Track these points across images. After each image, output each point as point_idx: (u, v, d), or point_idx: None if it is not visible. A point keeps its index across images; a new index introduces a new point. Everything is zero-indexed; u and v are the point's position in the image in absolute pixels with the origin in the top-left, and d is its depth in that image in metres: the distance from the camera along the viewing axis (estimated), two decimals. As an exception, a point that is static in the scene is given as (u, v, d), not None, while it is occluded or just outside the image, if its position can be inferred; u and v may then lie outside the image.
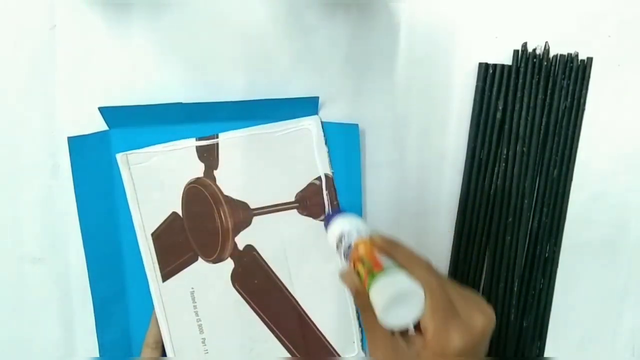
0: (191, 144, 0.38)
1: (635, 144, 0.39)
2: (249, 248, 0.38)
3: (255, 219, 0.38)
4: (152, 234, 0.38)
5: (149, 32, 0.38)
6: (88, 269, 0.38)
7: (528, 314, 0.40)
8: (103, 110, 0.37)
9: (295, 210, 0.38)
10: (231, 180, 0.38)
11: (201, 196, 0.38)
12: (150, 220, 0.38)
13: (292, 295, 0.39)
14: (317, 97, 0.37)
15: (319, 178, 0.38)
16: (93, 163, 0.38)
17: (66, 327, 0.41)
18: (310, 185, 0.38)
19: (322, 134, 0.38)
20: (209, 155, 0.38)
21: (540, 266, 0.39)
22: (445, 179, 0.39)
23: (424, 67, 0.38)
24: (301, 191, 0.38)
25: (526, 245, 0.39)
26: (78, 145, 0.37)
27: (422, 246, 0.40)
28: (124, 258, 0.39)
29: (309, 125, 0.38)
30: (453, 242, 0.39)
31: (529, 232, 0.39)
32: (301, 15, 0.38)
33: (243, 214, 0.38)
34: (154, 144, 0.38)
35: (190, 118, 0.38)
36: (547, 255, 0.39)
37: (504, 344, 0.40)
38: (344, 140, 0.38)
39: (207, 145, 0.38)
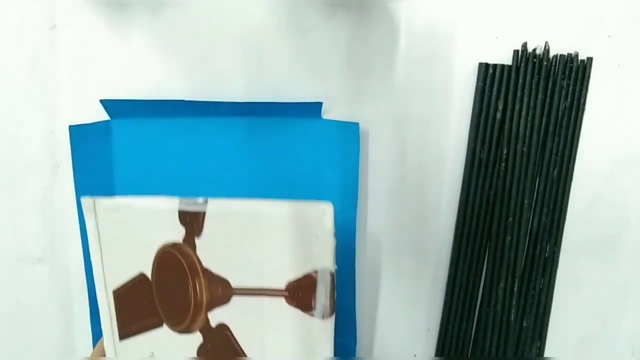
0: (174, 206, 0.32)
1: (635, 144, 0.39)
2: (223, 327, 0.33)
3: (235, 298, 0.33)
4: (114, 292, 0.34)
5: (149, 32, 0.38)
6: (86, 266, 0.38)
7: (528, 314, 0.40)
8: (105, 103, 0.37)
9: (283, 299, 0.33)
10: (214, 253, 0.33)
11: (176, 263, 0.33)
12: (113, 276, 0.34)
13: None
14: (321, 103, 0.37)
15: (318, 272, 0.32)
16: (94, 153, 0.38)
17: (66, 327, 0.41)
18: (306, 276, 0.32)
19: (332, 225, 0.32)
20: (192, 221, 0.33)
21: (540, 266, 0.39)
22: (445, 179, 0.39)
23: (424, 67, 0.38)
24: (295, 280, 0.32)
25: (526, 245, 0.39)
26: (79, 134, 0.37)
27: (422, 246, 0.40)
28: None
29: (319, 213, 0.32)
30: (453, 242, 0.40)
31: (529, 232, 0.39)
32: (301, 15, 0.38)
33: (222, 290, 0.33)
34: (154, 139, 0.38)
35: (191, 115, 0.38)
36: (547, 255, 0.39)
37: (504, 344, 0.40)
38: (343, 139, 0.38)
39: (192, 211, 0.32)
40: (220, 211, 0.32)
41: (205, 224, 0.32)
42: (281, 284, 0.32)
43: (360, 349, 0.40)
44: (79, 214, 0.38)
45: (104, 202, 0.33)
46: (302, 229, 0.32)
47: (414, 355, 0.41)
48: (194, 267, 0.33)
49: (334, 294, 0.32)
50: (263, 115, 0.38)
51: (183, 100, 0.37)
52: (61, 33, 0.38)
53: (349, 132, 0.38)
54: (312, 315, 0.33)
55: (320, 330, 0.33)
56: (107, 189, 0.39)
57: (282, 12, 0.38)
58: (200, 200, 0.32)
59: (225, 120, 0.38)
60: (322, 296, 0.32)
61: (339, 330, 0.40)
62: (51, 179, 0.39)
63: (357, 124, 0.38)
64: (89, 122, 0.38)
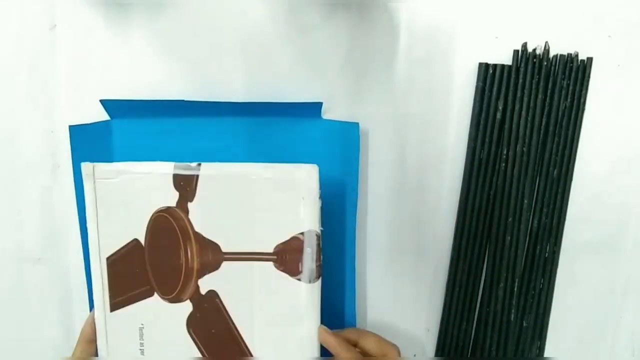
0: (169, 170, 0.34)
1: (635, 144, 0.39)
2: (212, 294, 0.34)
3: (225, 264, 0.34)
4: (108, 259, 0.35)
5: (149, 32, 0.38)
6: (85, 260, 0.38)
7: (528, 314, 0.40)
8: (105, 103, 0.37)
9: (271, 263, 0.33)
10: (205, 217, 0.34)
11: (169, 228, 0.34)
12: (107, 242, 0.35)
13: (251, 354, 0.35)
14: (321, 103, 0.37)
15: (304, 233, 0.33)
16: (94, 152, 0.38)
17: (66, 327, 0.41)
18: (293, 239, 0.33)
19: (317, 186, 0.32)
20: (185, 185, 0.34)
21: (540, 266, 0.39)
22: (445, 179, 0.39)
23: (424, 67, 0.38)
24: (282, 243, 0.33)
25: (526, 245, 0.39)
26: (79, 134, 0.37)
27: (422, 247, 0.40)
28: None
29: (304, 175, 0.32)
30: (453, 242, 0.40)
31: (529, 232, 0.39)
32: (301, 15, 0.38)
33: (212, 255, 0.34)
34: (154, 139, 0.38)
35: (191, 115, 0.38)
36: (547, 255, 0.39)
37: (504, 344, 0.40)
38: (344, 139, 0.38)
39: (186, 175, 0.33)
40: (212, 174, 0.33)
41: (198, 188, 0.33)
42: (269, 248, 0.33)
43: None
44: (79, 214, 0.38)
45: (103, 167, 0.34)
46: (289, 191, 0.33)
47: (414, 355, 0.41)
48: (186, 232, 0.34)
49: (320, 256, 0.33)
50: (263, 115, 0.38)
51: (183, 100, 0.37)
52: (61, 33, 0.38)
53: (349, 132, 0.38)
54: (299, 279, 0.33)
55: (307, 294, 0.34)
56: None
57: (282, 12, 0.38)
58: (194, 164, 0.33)
59: (225, 120, 0.38)
60: (309, 259, 0.33)
61: (339, 330, 0.40)
62: (51, 179, 0.39)
63: (357, 124, 0.38)
64: (89, 122, 0.38)
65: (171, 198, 0.34)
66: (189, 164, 0.33)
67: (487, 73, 0.38)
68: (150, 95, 0.38)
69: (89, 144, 0.38)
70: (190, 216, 0.34)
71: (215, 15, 0.38)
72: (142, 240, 0.35)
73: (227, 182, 0.33)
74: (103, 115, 0.38)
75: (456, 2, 0.38)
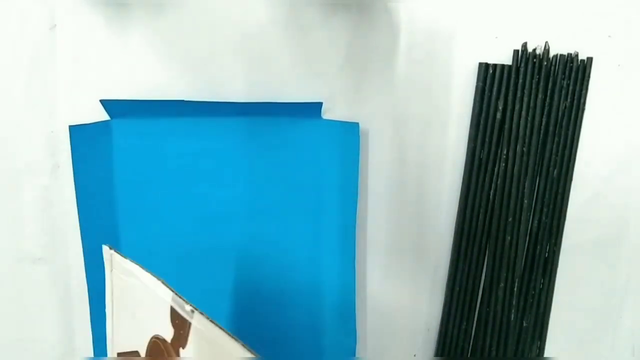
0: (167, 298, 0.30)
1: (635, 144, 0.39)
2: None
3: None
4: (119, 354, 0.33)
5: (149, 32, 0.38)
6: (85, 260, 0.38)
7: (528, 314, 0.40)
8: (105, 103, 0.37)
9: None
10: None
11: None
12: (118, 336, 0.33)
13: None
14: (321, 103, 0.37)
15: None
16: (94, 152, 0.38)
17: (66, 327, 0.41)
18: None
19: None
20: (180, 326, 0.31)
21: (540, 266, 0.39)
22: (445, 179, 0.39)
23: (424, 67, 0.38)
24: None
25: (526, 245, 0.39)
26: (79, 134, 0.37)
27: (422, 246, 0.40)
28: (122, 251, 0.39)
29: None
30: (453, 242, 0.40)
31: (529, 232, 0.39)
32: (301, 15, 0.38)
33: None
34: (154, 139, 0.38)
35: (191, 115, 0.38)
36: (547, 255, 0.39)
37: (504, 344, 0.40)
38: (343, 139, 0.38)
39: (181, 315, 0.30)
40: (203, 332, 0.30)
41: (190, 339, 0.30)
42: None
43: (360, 348, 0.40)
44: (79, 213, 0.38)
45: (118, 259, 0.32)
46: None
47: (414, 355, 0.41)
48: None
49: None
50: (263, 115, 0.38)
51: (183, 100, 0.37)
52: (61, 33, 0.38)
53: (349, 132, 0.38)
54: None
55: None
56: (107, 189, 0.39)
57: (282, 12, 0.38)
58: (188, 307, 0.30)
59: (225, 120, 0.38)
60: None
61: (339, 330, 0.40)
62: (51, 179, 0.39)
63: (357, 124, 0.38)
64: (89, 122, 0.38)
65: (168, 332, 0.31)
66: (184, 303, 0.30)
67: (487, 73, 0.38)
68: (150, 95, 0.38)
69: (89, 144, 0.38)
70: None
71: (215, 15, 0.38)
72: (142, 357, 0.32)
73: (216, 352, 0.29)
74: (103, 115, 0.38)
75: (456, 2, 0.38)
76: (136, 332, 0.32)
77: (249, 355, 0.28)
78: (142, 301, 0.32)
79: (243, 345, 0.29)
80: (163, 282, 0.30)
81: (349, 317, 0.39)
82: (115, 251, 0.32)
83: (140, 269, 0.31)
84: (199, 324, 0.29)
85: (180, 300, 0.30)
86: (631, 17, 0.38)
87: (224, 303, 0.40)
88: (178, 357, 0.31)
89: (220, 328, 0.29)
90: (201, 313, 0.29)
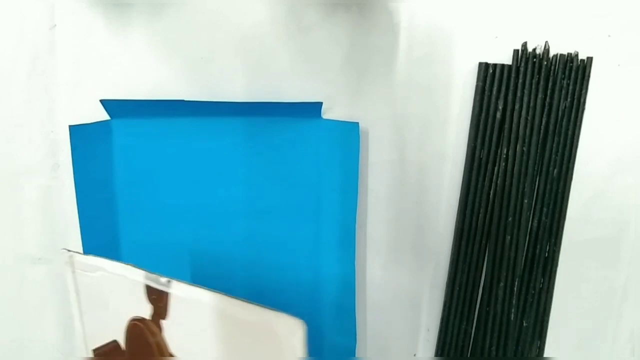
0: (139, 278, 0.31)
1: (635, 144, 0.39)
2: None
3: None
4: (94, 350, 0.33)
5: (149, 32, 0.38)
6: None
7: (528, 314, 0.40)
8: (105, 103, 0.37)
9: None
10: (180, 340, 0.31)
11: (146, 341, 0.32)
12: (92, 335, 0.33)
13: None
14: (321, 103, 0.37)
15: None
16: (94, 152, 0.38)
17: (66, 327, 0.41)
18: None
19: (302, 345, 0.27)
20: (157, 300, 0.31)
21: (540, 266, 0.39)
22: (445, 179, 0.39)
23: (424, 67, 0.38)
24: None
25: (526, 245, 0.39)
26: (79, 134, 0.37)
27: (422, 246, 0.40)
28: (122, 251, 0.39)
29: (286, 330, 0.27)
30: (453, 241, 0.40)
31: (529, 231, 0.39)
32: (301, 15, 0.38)
33: None
34: (154, 139, 0.38)
35: (191, 115, 0.38)
36: (547, 255, 0.39)
37: (504, 344, 0.40)
38: (343, 139, 0.38)
39: (157, 289, 0.31)
40: (184, 296, 0.30)
41: (170, 307, 0.30)
42: None
43: (360, 349, 0.40)
44: (79, 213, 0.38)
45: (81, 259, 0.32)
46: (270, 344, 0.28)
47: (414, 355, 0.41)
48: (163, 349, 0.31)
49: None
50: (263, 115, 0.38)
51: (183, 100, 0.37)
52: (61, 33, 0.38)
53: (349, 132, 0.38)
54: None
55: None
56: (107, 189, 0.39)
57: (282, 12, 0.38)
58: (163, 279, 0.30)
59: (225, 120, 0.38)
60: None
61: (339, 330, 0.40)
62: (51, 179, 0.39)
63: (357, 124, 0.38)
64: (89, 122, 0.38)
65: (145, 309, 0.31)
66: (158, 276, 0.30)
67: (487, 73, 0.38)
68: (150, 95, 0.38)
69: (89, 144, 0.38)
70: (165, 334, 0.31)
71: (215, 15, 0.38)
72: (122, 344, 0.33)
73: (200, 311, 0.29)
74: (103, 115, 0.38)
75: (456, 2, 0.38)
76: (112, 321, 0.33)
77: (235, 301, 0.28)
78: (112, 290, 0.32)
79: (227, 294, 0.29)
80: (133, 265, 0.31)
81: (348, 317, 0.39)
82: (74, 252, 0.32)
83: (106, 261, 0.32)
84: (177, 290, 0.30)
85: (154, 276, 0.31)
86: (631, 17, 0.38)
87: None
88: (170, 358, 0.31)
89: (201, 287, 0.29)
90: (178, 280, 0.30)
